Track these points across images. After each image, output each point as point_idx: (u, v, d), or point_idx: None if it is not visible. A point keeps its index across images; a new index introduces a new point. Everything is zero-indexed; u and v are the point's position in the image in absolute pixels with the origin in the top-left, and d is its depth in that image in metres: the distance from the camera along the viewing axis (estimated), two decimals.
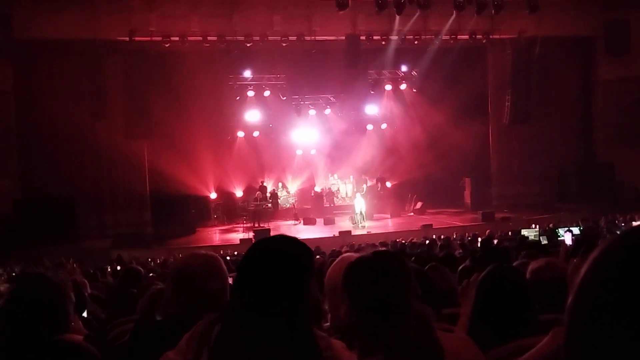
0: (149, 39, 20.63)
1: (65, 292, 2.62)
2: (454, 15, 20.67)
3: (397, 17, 20.19)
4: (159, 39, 20.57)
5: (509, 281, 2.71)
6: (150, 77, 21.44)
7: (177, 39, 20.62)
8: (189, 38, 20.73)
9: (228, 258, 13.06)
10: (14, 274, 12.67)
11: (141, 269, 6.74)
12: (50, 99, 21.08)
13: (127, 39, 20.43)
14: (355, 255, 2.69)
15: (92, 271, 11.66)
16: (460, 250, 10.79)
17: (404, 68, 25.43)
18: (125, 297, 5.00)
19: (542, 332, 2.41)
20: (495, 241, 11.57)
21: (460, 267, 4.80)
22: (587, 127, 26.35)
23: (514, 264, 4.59)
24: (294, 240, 1.99)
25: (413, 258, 6.38)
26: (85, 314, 5.09)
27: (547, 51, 23.82)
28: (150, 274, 10.18)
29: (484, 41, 23.35)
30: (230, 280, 4.49)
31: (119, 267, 13.47)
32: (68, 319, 2.63)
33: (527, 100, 24.46)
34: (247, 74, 23.87)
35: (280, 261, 1.88)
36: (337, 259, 2.76)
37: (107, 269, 13.40)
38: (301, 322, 1.87)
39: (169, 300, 2.56)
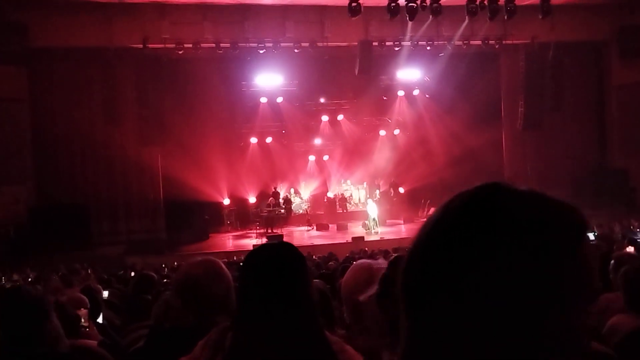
0: (162, 46, 20.77)
1: (45, 305, 2.62)
2: (466, 21, 20.61)
3: (410, 23, 20.16)
4: (172, 46, 20.71)
5: None
6: (164, 83, 21.58)
7: (190, 46, 20.73)
8: (202, 45, 20.82)
9: (242, 264, 13.08)
10: (30, 280, 12.78)
11: (154, 275, 6.77)
12: (64, 106, 21.28)
13: (141, 46, 20.61)
14: (369, 261, 2.70)
15: (106, 277, 11.72)
16: None
17: (416, 74, 25.35)
18: (140, 304, 5.02)
19: None
20: None
21: None
22: (602, 132, 26.18)
23: None
24: (284, 246, 2.01)
25: None
26: (100, 320, 5.13)
27: (561, 56, 23.74)
28: (164, 280, 10.24)
29: (496, 46, 23.27)
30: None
31: (132, 274, 13.53)
32: (50, 332, 2.62)
33: (541, 105, 24.36)
34: (260, 80, 23.90)
35: (271, 267, 1.90)
36: (352, 266, 2.76)
37: (121, 275, 13.48)
38: (310, 326, 1.87)
39: (177, 310, 2.57)
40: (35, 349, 2.49)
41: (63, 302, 3.89)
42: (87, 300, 4.51)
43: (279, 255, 1.94)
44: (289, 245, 2.00)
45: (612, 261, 4.14)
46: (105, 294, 7.85)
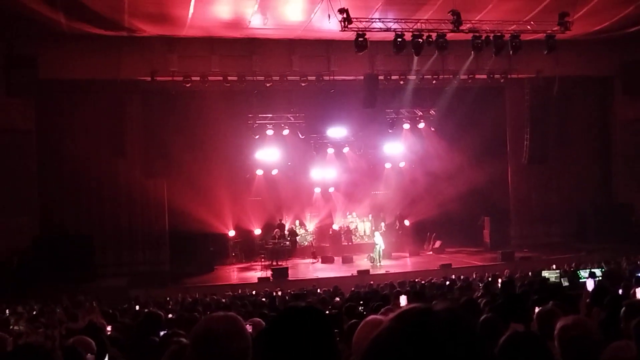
0: (170, 79, 20.91)
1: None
2: (472, 56, 20.70)
3: (416, 58, 20.25)
4: (180, 79, 20.84)
5: (528, 349, 2.68)
6: (171, 116, 21.65)
7: (197, 78, 20.85)
8: (209, 78, 20.96)
9: (246, 301, 13.03)
10: (34, 313, 12.71)
11: (161, 313, 6.74)
12: (71, 137, 21.41)
13: (149, 79, 20.76)
14: (379, 317, 2.69)
15: (110, 311, 11.67)
16: (482, 291, 10.70)
17: (422, 107, 25.45)
18: (147, 346, 4.99)
19: None
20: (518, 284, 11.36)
21: (481, 319, 4.74)
22: (607, 166, 26.18)
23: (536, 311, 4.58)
24: (311, 318, 1.98)
25: (434, 302, 6.31)
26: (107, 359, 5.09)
27: (565, 90, 23.77)
28: (169, 315, 10.19)
29: (502, 81, 23.40)
30: (249, 328, 4.47)
31: (137, 307, 13.48)
32: None
33: (546, 139, 24.37)
34: (267, 113, 24.00)
35: (298, 347, 1.90)
36: (362, 323, 2.73)
37: (125, 308, 13.42)
38: None
39: None
40: None
41: (73, 345, 3.87)
42: (93, 344, 4.48)
43: (306, 332, 1.92)
44: (317, 315, 1.98)
45: (624, 308, 4.11)
46: (109, 328, 7.81)
